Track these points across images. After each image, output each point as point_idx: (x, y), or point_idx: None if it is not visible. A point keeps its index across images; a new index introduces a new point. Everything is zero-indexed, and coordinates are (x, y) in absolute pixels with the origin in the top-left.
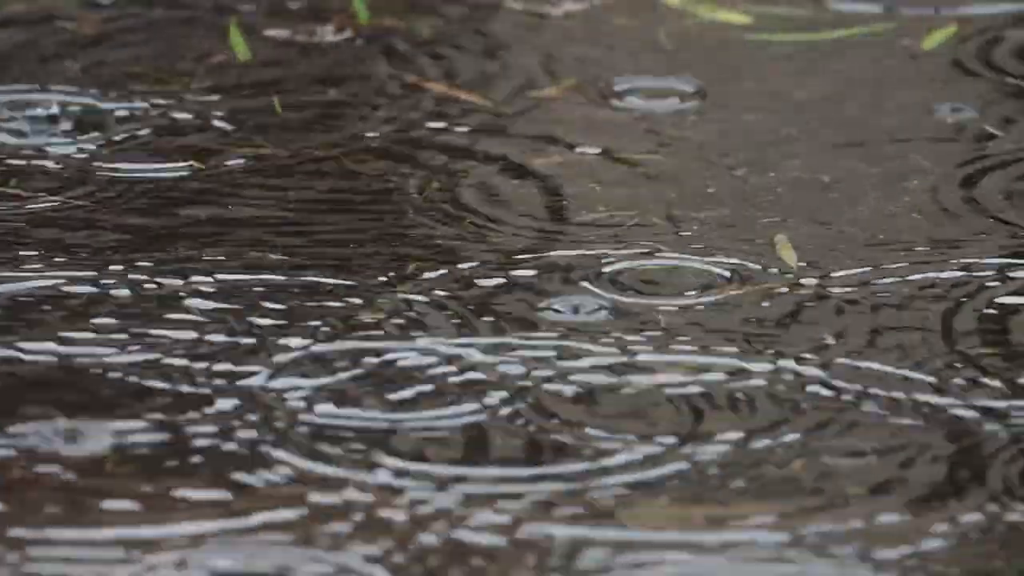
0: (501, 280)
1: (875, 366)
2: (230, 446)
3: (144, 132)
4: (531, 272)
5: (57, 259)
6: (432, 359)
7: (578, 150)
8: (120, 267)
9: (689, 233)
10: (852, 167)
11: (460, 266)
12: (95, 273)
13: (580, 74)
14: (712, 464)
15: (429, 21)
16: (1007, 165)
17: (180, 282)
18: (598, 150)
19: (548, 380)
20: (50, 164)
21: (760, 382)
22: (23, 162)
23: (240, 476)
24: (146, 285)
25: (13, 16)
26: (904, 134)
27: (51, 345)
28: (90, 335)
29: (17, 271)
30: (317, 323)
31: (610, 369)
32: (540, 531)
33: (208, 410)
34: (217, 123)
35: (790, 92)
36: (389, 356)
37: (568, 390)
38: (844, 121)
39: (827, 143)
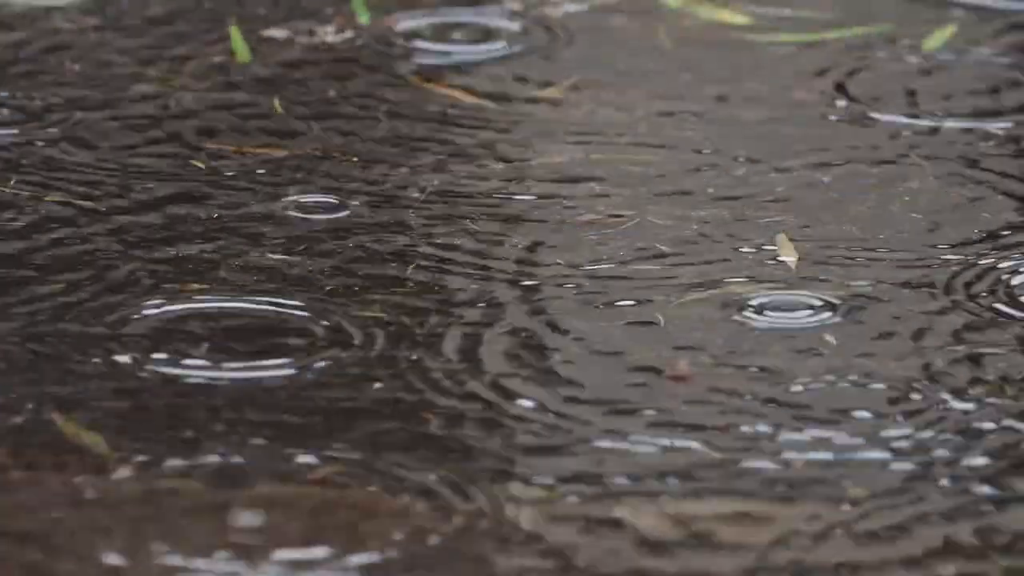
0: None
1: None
2: None
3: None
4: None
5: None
6: None
7: (578, 150)
8: None
9: (689, 232)
10: (852, 167)
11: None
12: None
13: (581, 74)
14: None
15: (428, 22)
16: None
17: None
18: (598, 150)
19: None
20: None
21: None
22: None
23: None
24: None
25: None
26: (903, 134)
27: None
28: None
29: None
30: None
31: None
32: None
33: None
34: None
35: (790, 92)
36: None
37: None
38: (844, 121)
39: (827, 143)
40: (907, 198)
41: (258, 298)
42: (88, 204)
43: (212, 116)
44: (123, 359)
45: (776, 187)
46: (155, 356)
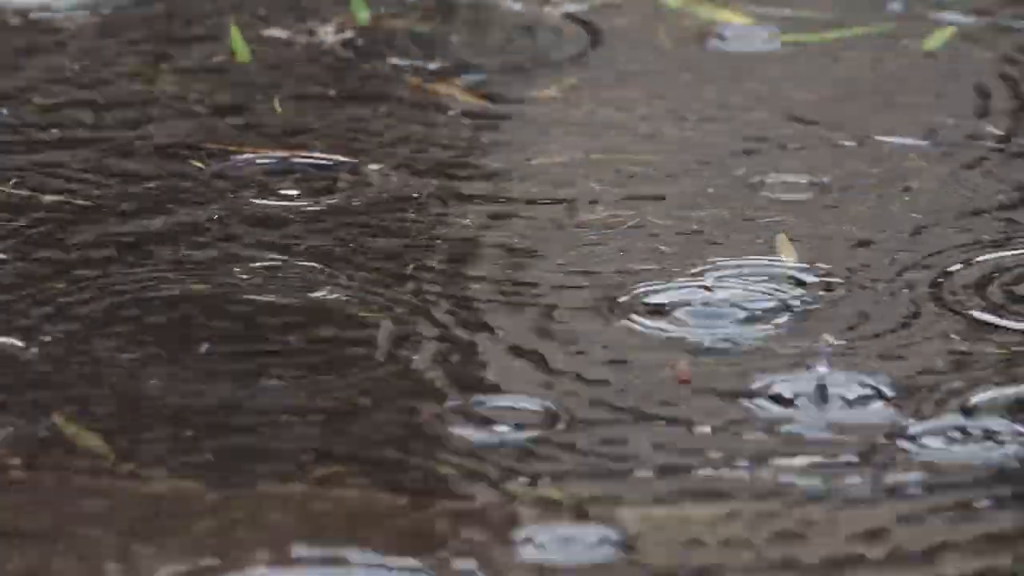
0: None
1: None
2: None
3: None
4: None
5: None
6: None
7: (578, 150)
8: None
9: (689, 232)
10: (852, 167)
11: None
12: None
13: (580, 74)
14: None
15: (428, 21)
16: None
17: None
18: (598, 150)
19: None
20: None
21: None
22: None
23: None
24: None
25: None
26: (904, 134)
27: None
28: None
29: None
30: None
31: None
32: None
33: None
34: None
35: (790, 92)
36: None
37: None
38: (844, 121)
39: (827, 143)
40: (907, 198)
41: (258, 297)
42: (87, 204)
43: (212, 116)
44: (125, 359)
45: (776, 187)
46: (156, 356)
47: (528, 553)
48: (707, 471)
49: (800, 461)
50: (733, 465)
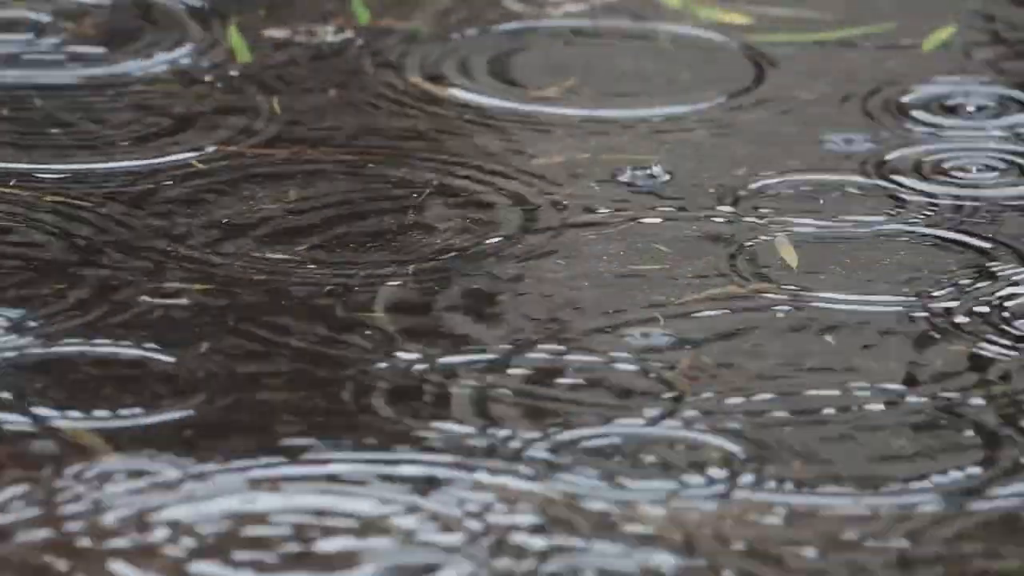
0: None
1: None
2: None
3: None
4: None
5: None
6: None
7: (578, 150)
8: None
9: (688, 233)
10: (852, 167)
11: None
12: None
13: (580, 74)
14: None
15: (428, 21)
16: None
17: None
18: (598, 150)
19: None
20: None
21: None
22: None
23: None
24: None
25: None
26: (904, 133)
27: None
28: None
29: None
30: None
31: None
32: None
33: None
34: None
35: (790, 92)
36: None
37: None
38: (844, 121)
39: (827, 143)
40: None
41: (260, 295)
42: (88, 205)
43: (212, 117)
44: (125, 358)
45: (776, 187)
46: (156, 356)
47: None
48: None
49: None
50: None
